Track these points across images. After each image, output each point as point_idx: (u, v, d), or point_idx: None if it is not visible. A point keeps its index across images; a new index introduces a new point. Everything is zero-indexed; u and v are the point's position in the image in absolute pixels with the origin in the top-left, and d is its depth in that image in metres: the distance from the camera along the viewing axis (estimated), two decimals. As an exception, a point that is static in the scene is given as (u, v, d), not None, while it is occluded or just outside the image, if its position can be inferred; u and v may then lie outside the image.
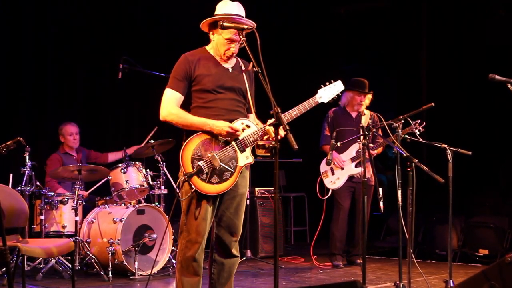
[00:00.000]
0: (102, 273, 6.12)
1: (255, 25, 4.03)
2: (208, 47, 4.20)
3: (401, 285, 4.69)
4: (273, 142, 3.58)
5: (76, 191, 6.31)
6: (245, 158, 4.05)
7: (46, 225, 6.46)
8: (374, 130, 5.05)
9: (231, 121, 4.02)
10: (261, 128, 4.06)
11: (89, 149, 7.45)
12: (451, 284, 4.92)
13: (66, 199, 6.50)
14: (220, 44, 4.09)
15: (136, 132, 8.44)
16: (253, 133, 4.05)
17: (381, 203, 4.83)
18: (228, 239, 4.16)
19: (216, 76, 4.07)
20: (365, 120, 6.98)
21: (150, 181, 6.67)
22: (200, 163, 3.92)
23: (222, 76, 4.09)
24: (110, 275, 6.13)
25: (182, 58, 4.11)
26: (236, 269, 4.24)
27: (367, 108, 7.13)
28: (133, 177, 6.55)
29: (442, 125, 8.77)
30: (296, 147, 3.53)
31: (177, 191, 4.06)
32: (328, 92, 4.25)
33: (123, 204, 6.65)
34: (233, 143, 4.01)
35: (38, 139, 7.53)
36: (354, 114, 7.11)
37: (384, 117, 5.18)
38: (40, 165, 6.60)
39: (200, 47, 4.24)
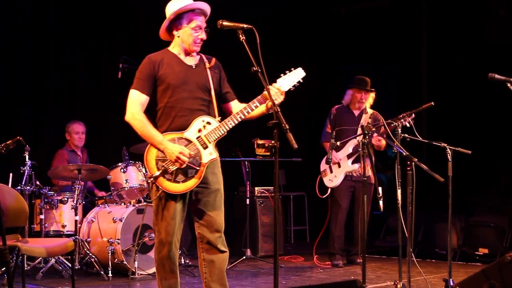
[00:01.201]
0: (102, 272, 6.13)
1: (210, 8, 4.16)
2: (170, 47, 4.24)
3: (401, 284, 4.69)
4: (273, 142, 3.59)
5: (76, 190, 6.31)
6: (209, 154, 4.09)
7: (46, 225, 6.46)
8: (374, 129, 5.06)
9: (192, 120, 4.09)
10: (256, 100, 4.07)
11: (88, 151, 7.46)
12: (451, 283, 4.91)
13: (66, 198, 6.51)
14: (187, 36, 4.13)
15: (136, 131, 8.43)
16: (214, 129, 4.08)
17: (381, 202, 4.83)
18: (212, 237, 4.16)
19: (180, 74, 4.12)
20: (365, 119, 6.98)
21: (150, 181, 6.66)
22: (164, 164, 4.00)
23: (186, 73, 4.14)
24: (110, 275, 6.13)
25: (146, 59, 4.16)
26: (227, 263, 4.24)
27: (371, 107, 7.14)
28: (133, 176, 6.55)
29: (442, 124, 8.78)
30: (295, 146, 3.54)
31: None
32: (287, 80, 4.14)
33: (123, 204, 6.65)
34: (195, 141, 4.06)
35: (37, 138, 7.53)
36: (356, 112, 7.12)
37: (384, 116, 5.19)
38: (39, 164, 6.60)
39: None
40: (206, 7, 4.19)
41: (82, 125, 7.26)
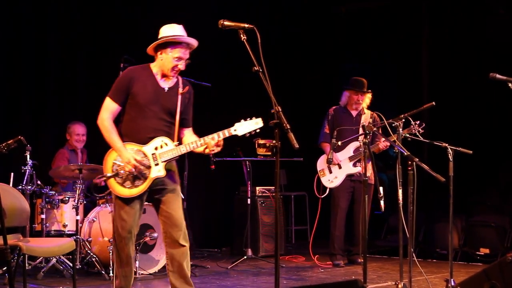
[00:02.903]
0: (103, 272, 6.13)
1: (197, 43, 4.54)
2: (152, 65, 4.63)
3: (402, 284, 4.69)
4: (274, 141, 3.60)
5: (77, 190, 6.31)
6: (157, 171, 4.53)
7: (47, 224, 6.46)
8: (374, 129, 5.06)
9: (153, 138, 4.54)
10: (196, 141, 4.55)
11: (88, 150, 7.46)
12: (452, 283, 4.92)
13: (67, 198, 6.51)
14: (168, 62, 4.51)
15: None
16: (169, 151, 4.54)
17: (382, 202, 4.83)
18: (173, 231, 4.62)
19: (151, 95, 4.53)
20: (364, 120, 6.99)
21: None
22: (118, 167, 4.49)
23: (156, 95, 4.55)
24: (111, 274, 6.13)
25: (126, 71, 4.65)
26: (187, 257, 4.69)
27: (368, 107, 7.15)
28: (134, 176, 6.55)
29: (443, 124, 8.77)
30: (297, 146, 3.56)
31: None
32: (244, 127, 4.47)
33: (124, 203, 6.64)
34: (150, 156, 4.52)
35: (39, 138, 7.53)
36: (354, 113, 7.13)
37: (385, 116, 5.19)
38: (41, 164, 6.61)
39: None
40: (193, 42, 4.55)
41: (83, 127, 7.25)
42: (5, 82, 7.42)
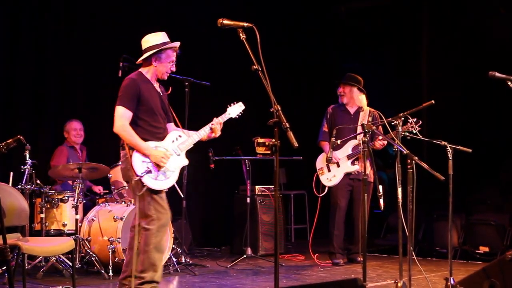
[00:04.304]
0: (103, 271, 6.13)
1: (180, 43, 4.98)
2: (144, 71, 5.02)
3: (402, 283, 4.69)
4: (273, 140, 3.61)
5: (77, 189, 6.31)
6: (182, 160, 5.01)
7: (47, 224, 6.46)
8: (374, 127, 5.06)
9: (165, 136, 5.00)
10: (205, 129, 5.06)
11: (88, 149, 7.46)
12: (452, 282, 4.91)
13: (66, 197, 6.51)
14: (163, 67, 4.97)
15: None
16: (184, 141, 5.03)
17: (381, 201, 4.83)
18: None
19: (156, 99, 4.98)
20: (363, 117, 6.98)
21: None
22: (149, 165, 4.80)
23: (159, 99, 5.02)
24: (110, 273, 6.14)
25: (130, 81, 4.92)
26: None
27: (368, 105, 7.14)
28: (134, 175, 6.54)
29: (443, 122, 8.78)
30: (296, 144, 3.56)
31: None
32: (234, 109, 5.23)
33: (123, 202, 6.65)
34: (171, 150, 4.93)
35: (38, 137, 7.52)
36: (352, 111, 7.12)
37: (384, 115, 5.20)
38: (40, 163, 6.60)
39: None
40: (178, 45, 5.05)
41: (79, 123, 7.28)
42: (5, 81, 7.41)
